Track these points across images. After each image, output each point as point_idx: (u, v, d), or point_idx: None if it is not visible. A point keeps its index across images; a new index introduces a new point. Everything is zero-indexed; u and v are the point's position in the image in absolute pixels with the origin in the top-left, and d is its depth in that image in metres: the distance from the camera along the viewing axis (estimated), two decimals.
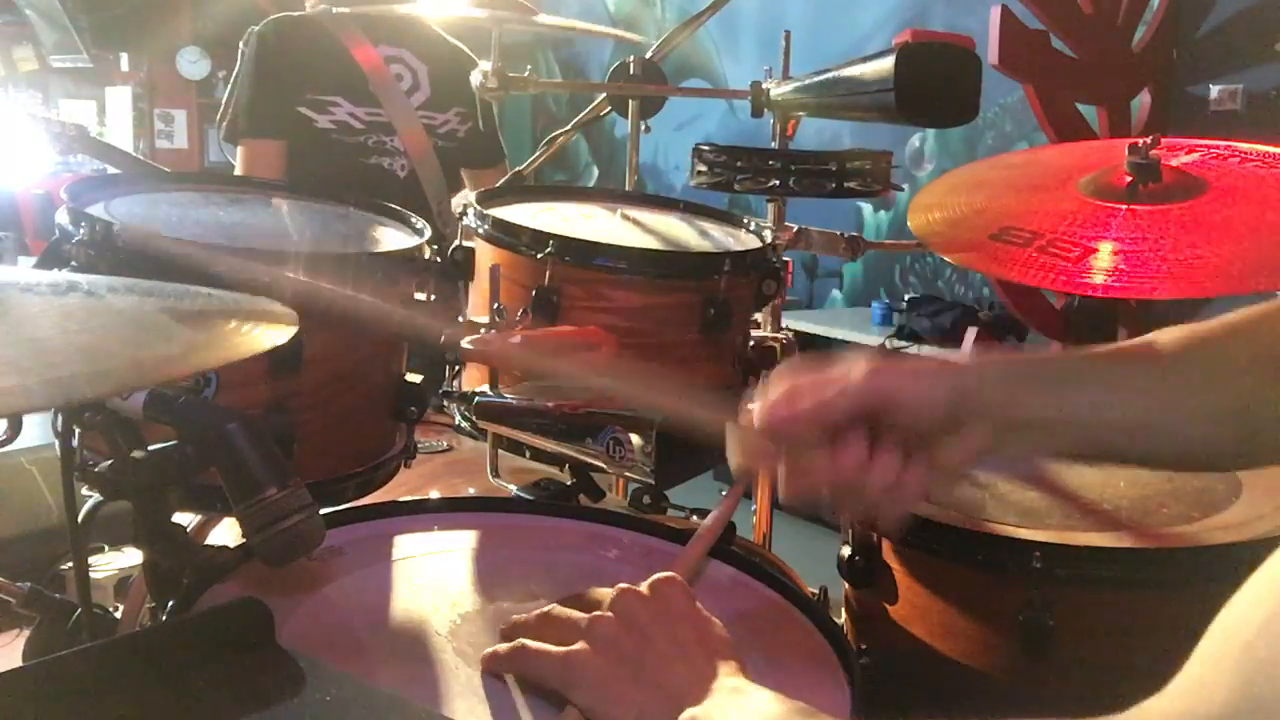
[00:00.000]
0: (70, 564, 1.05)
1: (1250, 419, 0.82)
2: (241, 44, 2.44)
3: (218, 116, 2.55)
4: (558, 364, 1.02)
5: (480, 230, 1.26)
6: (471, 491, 1.30)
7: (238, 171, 2.41)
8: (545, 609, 0.82)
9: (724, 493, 1.04)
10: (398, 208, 1.29)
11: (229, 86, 2.49)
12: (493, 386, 1.16)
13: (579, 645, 0.75)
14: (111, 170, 2.75)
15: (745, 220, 1.43)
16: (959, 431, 0.81)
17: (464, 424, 1.23)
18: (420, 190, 2.40)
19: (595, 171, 6.36)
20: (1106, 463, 0.90)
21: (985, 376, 0.83)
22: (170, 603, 0.85)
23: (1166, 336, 0.86)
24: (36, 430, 1.11)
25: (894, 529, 0.93)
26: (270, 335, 0.72)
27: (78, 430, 0.94)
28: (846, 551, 1.11)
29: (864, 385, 0.81)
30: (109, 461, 0.86)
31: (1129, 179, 1.27)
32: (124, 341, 0.66)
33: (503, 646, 0.79)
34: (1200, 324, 0.86)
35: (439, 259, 1.20)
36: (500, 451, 1.21)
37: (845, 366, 0.83)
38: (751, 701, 0.71)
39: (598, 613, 0.78)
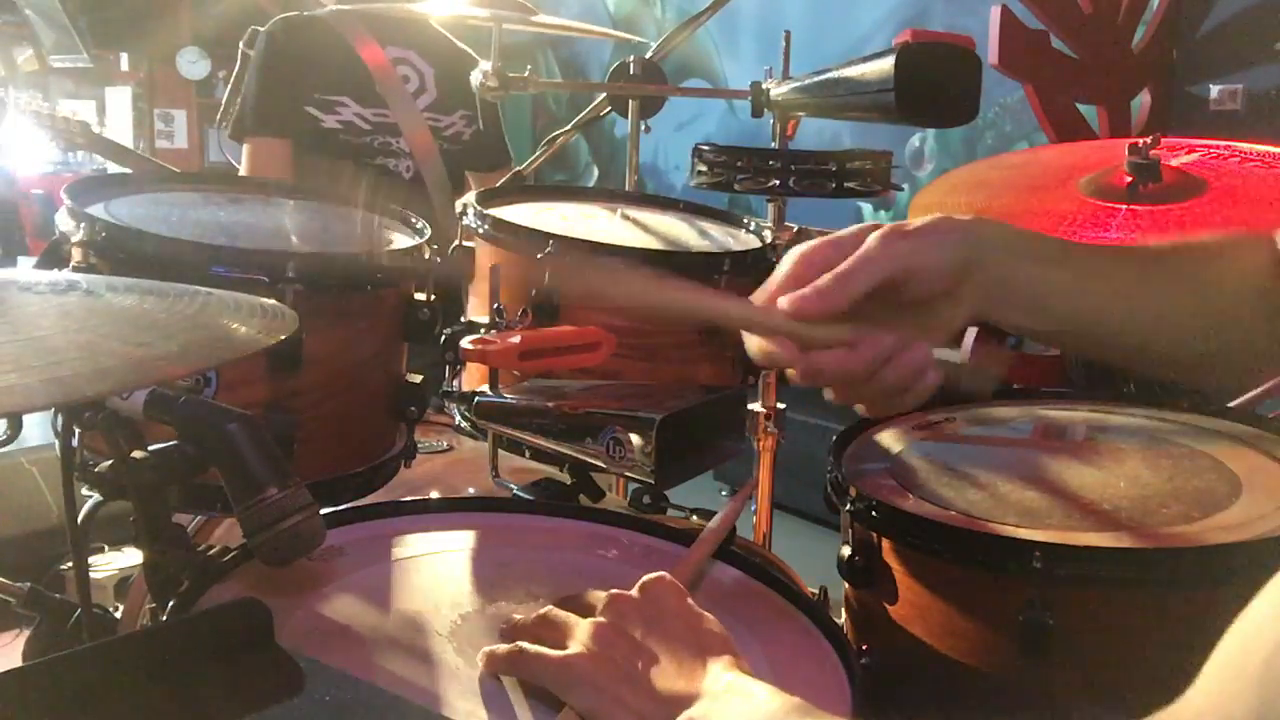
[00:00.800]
0: (70, 564, 1.05)
1: (1220, 333, 0.86)
2: (242, 44, 2.44)
3: (219, 115, 2.55)
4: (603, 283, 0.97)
5: (480, 230, 1.26)
6: (471, 491, 1.30)
7: (243, 169, 2.41)
8: (543, 611, 0.82)
9: (723, 492, 1.04)
10: (398, 208, 1.29)
11: (230, 85, 2.49)
12: (493, 386, 1.16)
13: (576, 649, 0.76)
14: (114, 167, 2.76)
15: (745, 220, 1.43)
16: (957, 294, 0.82)
17: (464, 424, 1.23)
18: (425, 192, 2.40)
19: (595, 171, 6.35)
20: (1080, 349, 0.94)
21: (989, 241, 0.83)
22: (170, 603, 0.85)
23: (1156, 240, 0.89)
24: (36, 430, 1.11)
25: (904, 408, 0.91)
26: (270, 335, 0.72)
27: (78, 430, 0.94)
28: (846, 551, 1.11)
29: (881, 255, 0.80)
30: (109, 461, 0.86)
31: (1129, 179, 1.27)
32: (124, 341, 0.66)
33: (500, 648, 0.79)
34: (1188, 237, 0.90)
35: (439, 259, 1.20)
36: (500, 451, 1.21)
37: (854, 235, 0.83)
38: (748, 699, 0.71)
39: (593, 618, 0.78)
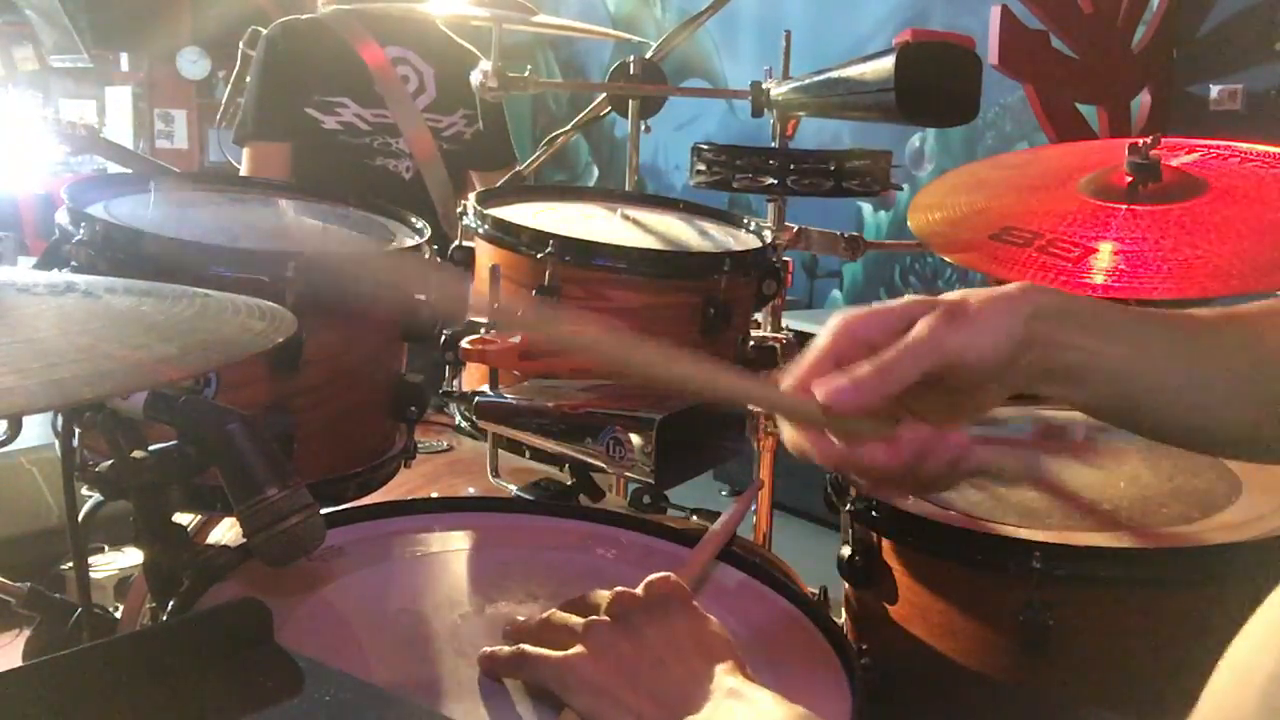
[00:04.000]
0: (70, 564, 1.05)
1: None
2: (242, 43, 2.44)
3: (218, 116, 2.56)
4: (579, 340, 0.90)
5: (480, 230, 1.26)
6: (471, 491, 1.30)
7: (243, 173, 2.41)
8: (545, 614, 0.82)
9: (723, 493, 1.04)
10: (397, 208, 1.29)
11: (230, 85, 2.50)
12: (493, 386, 1.16)
13: (576, 650, 0.75)
14: (116, 167, 2.76)
15: (745, 220, 1.43)
16: (1003, 377, 0.77)
17: (464, 424, 1.23)
18: (425, 192, 2.40)
19: (595, 171, 6.35)
20: (1132, 426, 0.86)
21: (1042, 315, 0.77)
22: (170, 603, 0.85)
23: (1204, 309, 0.82)
24: (36, 430, 1.11)
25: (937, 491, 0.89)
26: (269, 337, 0.72)
27: (78, 430, 0.94)
28: (846, 551, 1.11)
29: (929, 348, 0.74)
30: (109, 461, 0.86)
31: (1129, 179, 1.27)
32: (123, 343, 0.66)
33: (502, 650, 0.79)
34: (1238, 306, 0.84)
35: (439, 259, 1.20)
36: (500, 451, 1.21)
37: (903, 311, 0.77)
38: (751, 705, 0.70)
39: (594, 617, 0.78)
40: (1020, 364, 0.76)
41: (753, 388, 0.85)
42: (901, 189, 1.83)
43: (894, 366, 0.74)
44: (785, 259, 1.37)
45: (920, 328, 0.75)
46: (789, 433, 0.80)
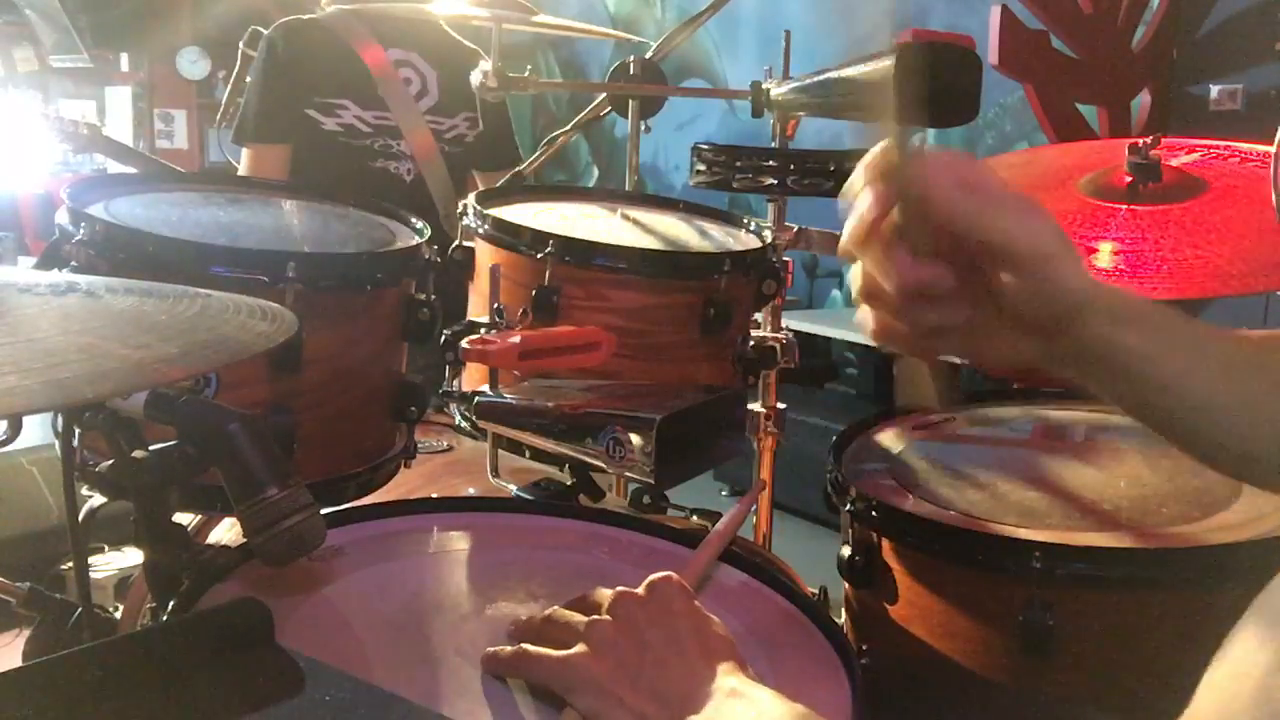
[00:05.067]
0: (70, 564, 1.05)
1: None
2: (242, 44, 2.44)
3: (218, 116, 2.55)
4: None
5: (480, 230, 1.26)
6: (471, 491, 1.30)
7: (241, 173, 2.41)
8: (547, 612, 0.82)
9: (723, 493, 1.04)
10: (397, 208, 1.29)
11: (230, 85, 2.49)
12: (493, 386, 1.16)
13: (578, 649, 0.75)
14: (115, 167, 2.75)
15: (745, 220, 1.43)
16: (1054, 338, 0.75)
17: (464, 424, 1.23)
18: (427, 194, 2.40)
19: (595, 171, 6.35)
20: (1153, 425, 0.82)
21: (1107, 305, 0.75)
22: (170, 603, 0.85)
23: (1253, 331, 0.80)
24: (36, 430, 1.11)
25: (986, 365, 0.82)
26: (270, 338, 0.72)
27: (78, 430, 0.94)
28: (846, 551, 1.11)
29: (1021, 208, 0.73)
30: (109, 461, 0.86)
31: (1129, 179, 1.27)
32: (123, 343, 0.66)
33: (504, 649, 0.79)
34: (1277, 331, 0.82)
35: (439, 259, 1.20)
36: (500, 451, 1.21)
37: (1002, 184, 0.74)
38: (752, 705, 0.70)
39: (596, 617, 0.78)
40: (1066, 339, 0.74)
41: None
42: None
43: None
44: (785, 259, 1.37)
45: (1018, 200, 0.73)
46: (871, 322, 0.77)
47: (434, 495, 1.28)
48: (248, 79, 2.42)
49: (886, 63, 1.41)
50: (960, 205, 0.73)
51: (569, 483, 1.21)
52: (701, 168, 1.60)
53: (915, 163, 0.76)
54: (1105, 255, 1.21)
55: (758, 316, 1.51)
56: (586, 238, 1.22)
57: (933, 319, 0.76)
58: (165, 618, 0.85)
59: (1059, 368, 0.79)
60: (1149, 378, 0.77)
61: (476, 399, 1.16)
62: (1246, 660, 0.47)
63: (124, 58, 6.72)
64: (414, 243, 1.19)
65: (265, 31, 2.41)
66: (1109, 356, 0.76)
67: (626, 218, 1.41)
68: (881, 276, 0.75)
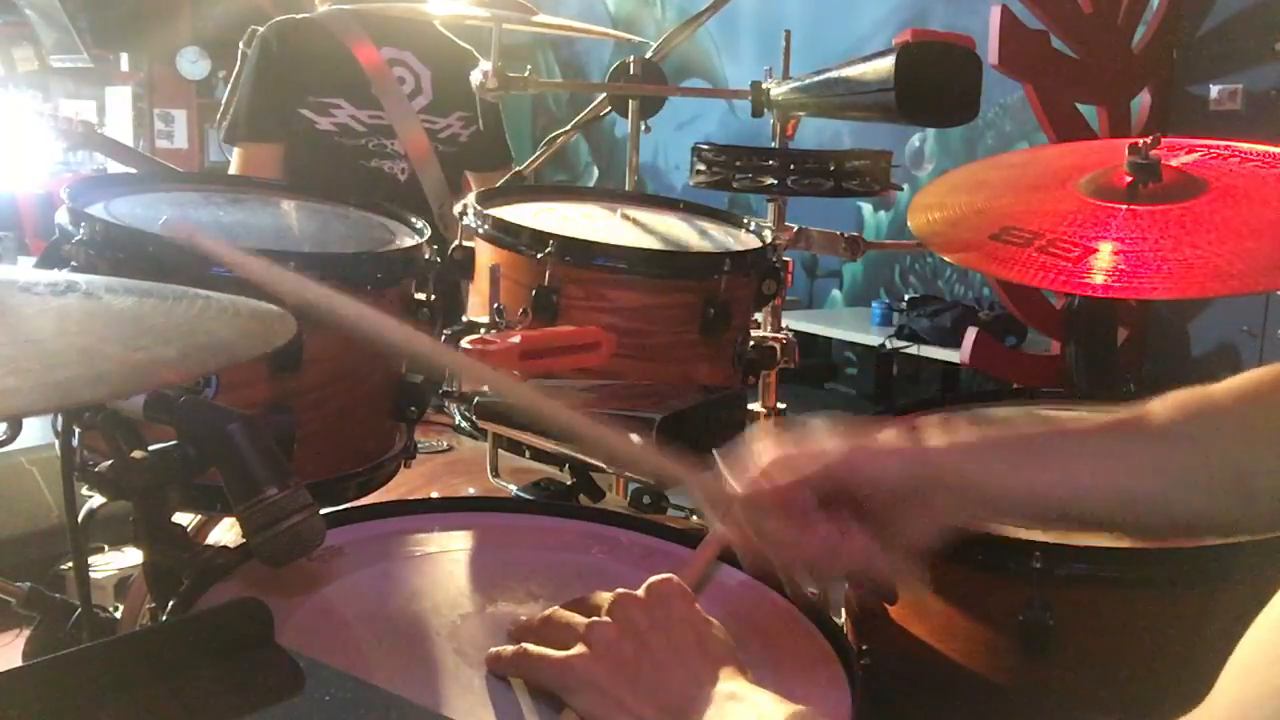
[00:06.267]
0: (70, 564, 1.05)
1: (1246, 488, 0.83)
2: (242, 43, 2.43)
3: (218, 116, 2.55)
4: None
5: (480, 230, 1.26)
6: (471, 491, 1.30)
7: (232, 173, 2.41)
8: (548, 612, 0.82)
9: None
10: (397, 208, 1.29)
11: (230, 85, 2.49)
12: None
13: (578, 650, 0.75)
14: (115, 167, 2.75)
15: (745, 220, 1.43)
16: (926, 508, 0.84)
17: (464, 424, 1.23)
18: (420, 193, 2.39)
19: (595, 171, 6.36)
20: (1091, 531, 0.93)
21: (957, 452, 0.85)
22: (170, 603, 0.85)
23: (1161, 405, 0.87)
24: (36, 430, 1.11)
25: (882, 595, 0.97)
26: (269, 340, 0.72)
27: (78, 430, 0.94)
28: None
29: (837, 463, 0.84)
30: (109, 461, 0.86)
31: (1129, 179, 1.27)
32: (122, 344, 0.66)
33: (505, 649, 0.79)
34: (1198, 390, 0.86)
35: (439, 259, 1.20)
36: (500, 451, 1.21)
37: (819, 438, 0.86)
38: (751, 709, 0.70)
39: (596, 618, 0.78)
40: (942, 498, 0.84)
41: (679, 471, 0.93)
42: (901, 189, 1.83)
43: (807, 478, 0.84)
44: (785, 259, 1.37)
45: (832, 445, 0.85)
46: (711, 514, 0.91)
47: (434, 495, 1.28)
48: (240, 78, 2.42)
49: (887, 63, 1.41)
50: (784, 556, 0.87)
51: (569, 483, 1.22)
52: (701, 168, 1.60)
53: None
54: (1105, 255, 1.20)
55: (758, 316, 1.51)
56: (586, 237, 1.22)
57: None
58: (165, 618, 0.85)
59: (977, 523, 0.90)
60: (1029, 499, 0.86)
61: (476, 399, 1.16)
62: (1269, 648, 0.47)
63: (124, 58, 6.73)
64: (414, 243, 1.19)
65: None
66: (986, 500, 0.86)
67: (626, 218, 1.41)
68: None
